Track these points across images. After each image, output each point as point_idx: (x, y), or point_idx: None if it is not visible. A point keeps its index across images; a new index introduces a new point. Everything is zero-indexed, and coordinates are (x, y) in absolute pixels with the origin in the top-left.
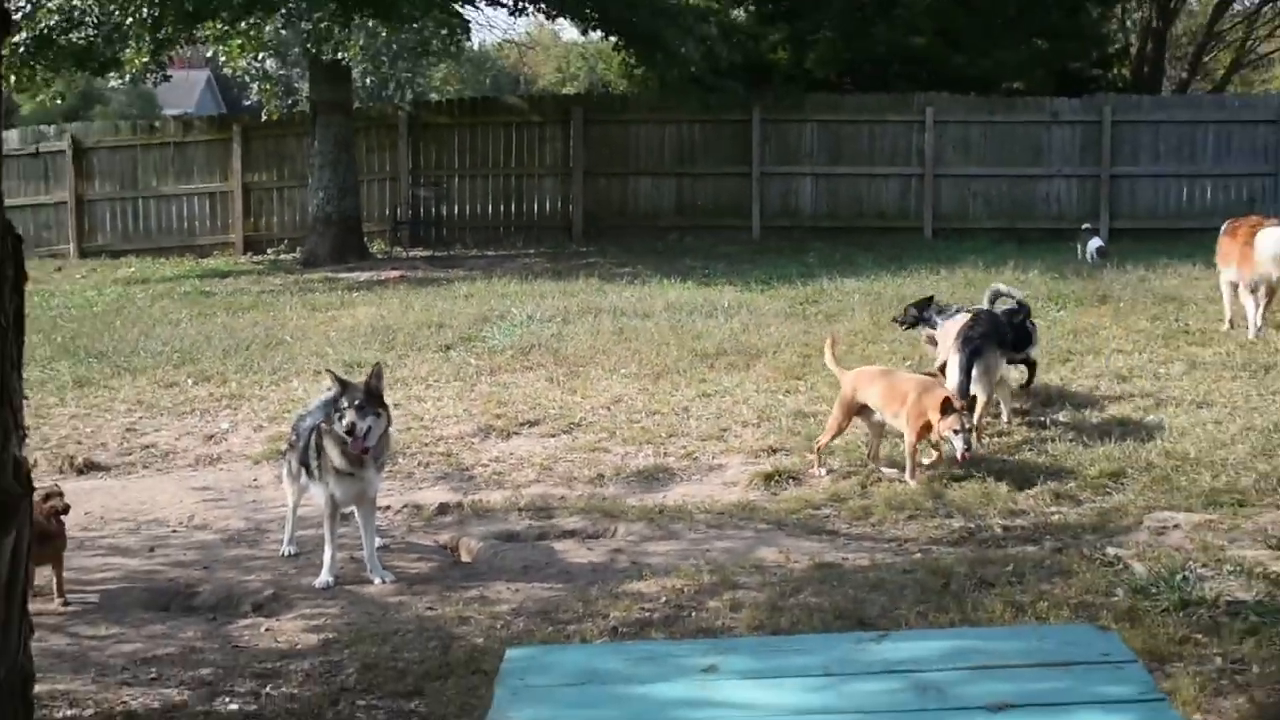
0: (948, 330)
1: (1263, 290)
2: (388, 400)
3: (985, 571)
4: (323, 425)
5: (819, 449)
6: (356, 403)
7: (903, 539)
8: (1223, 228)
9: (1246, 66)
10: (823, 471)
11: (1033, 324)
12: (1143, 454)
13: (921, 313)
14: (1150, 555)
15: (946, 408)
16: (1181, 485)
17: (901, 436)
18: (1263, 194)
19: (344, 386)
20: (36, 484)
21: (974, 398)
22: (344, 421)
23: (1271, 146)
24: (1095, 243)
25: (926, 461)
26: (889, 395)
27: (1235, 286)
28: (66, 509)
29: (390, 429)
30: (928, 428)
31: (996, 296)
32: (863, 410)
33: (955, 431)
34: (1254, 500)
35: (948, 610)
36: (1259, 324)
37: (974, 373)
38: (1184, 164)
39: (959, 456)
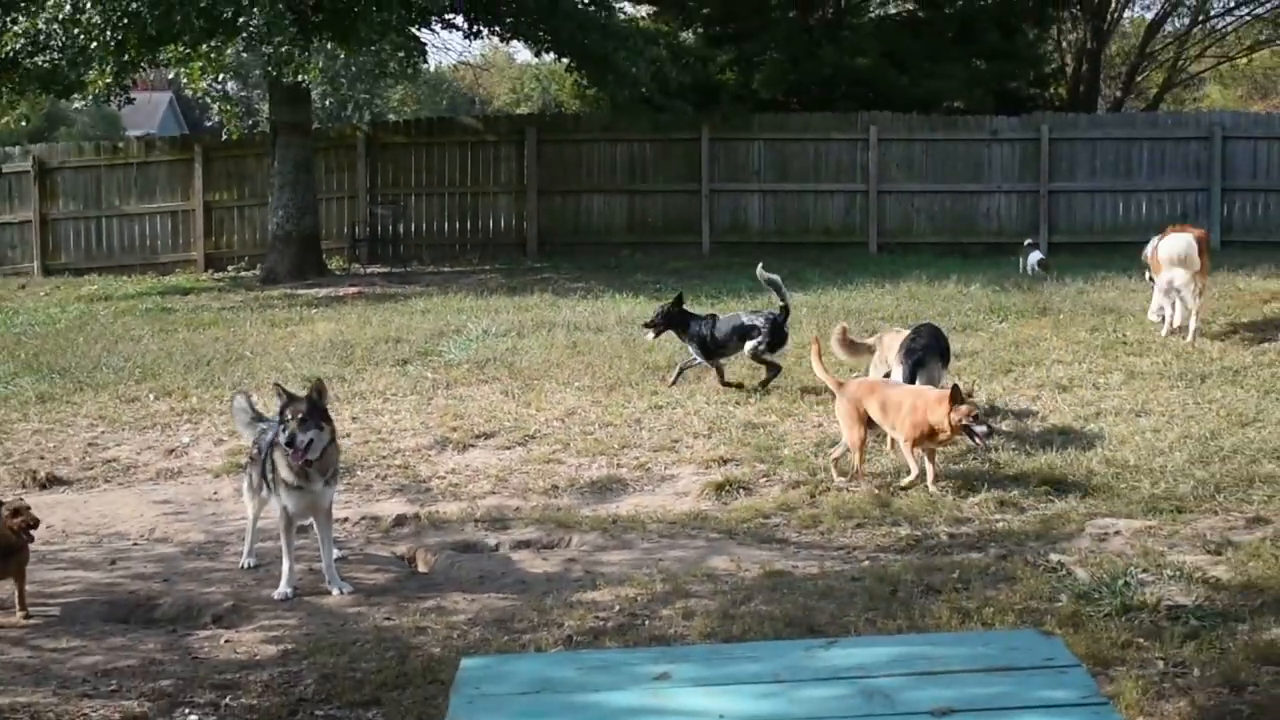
0: (889, 342)
1: (1192, 291)
2: (344, 414)
3: (932, 578)
4: (274, 439)
5: (858, 473)
6: (299, 416)
7: (851, 547)
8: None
9: (1178, 85)
10: (860, 484)
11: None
12: (1084, 462)
13: (680, 315)
14: (1092, 561)
15: (957, 396)
16: (1122, 492)
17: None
18: (1195, 208)
19: (289, 399)
20: (3, 498)
21: None
22: (285, 433)
23: (1203, 162)
24: (1036, 255)
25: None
26: (888, 405)
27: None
28: (36, 523)
29: (336, 442)
30: (929, 434)
31: (768, 281)
32: (867, 421)
33: (975, 418)
34: (1192, 506)
35: (895, 617)
36: (1195, 326)
37: (917, 382)
38: (1119, 180)
39: (978, 443)
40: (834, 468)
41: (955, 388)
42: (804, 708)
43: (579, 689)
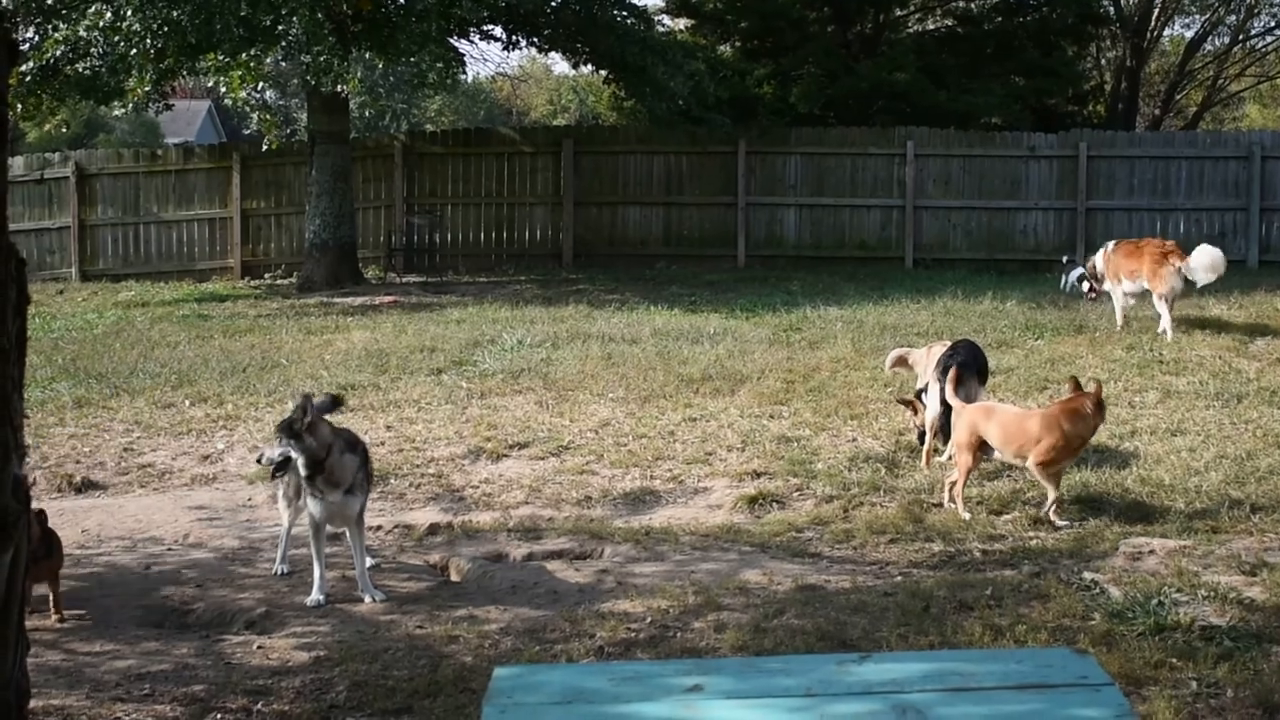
0: (935, 354)
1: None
2: (379, 423)
3: (964, 595)
4: None
5: (957, 495)
6: (277, 431)
7: (884, 562)
8: (1109, 248)
9: (1217, 104)
10: (964, 511)
11: None
12: (1118, 480)
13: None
14: (1126, 580)
15: (1100, 396)
16: (1156, 511)
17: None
18: (1233, 227)
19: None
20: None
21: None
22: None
23: (1242, 182)
24: (1076, 272)
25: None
26: (1007, 431)
27: (1130, 296)
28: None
29: (343, 455)
30: (1080, 446)
31: None
32: (981, 446)
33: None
34: (1227, 527)
35: (928, 633)
36: (1169, 327)
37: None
38: (1157, 198)
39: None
40: (949, 495)
41: (1072, 381)
42: None
43: (611, 700)
